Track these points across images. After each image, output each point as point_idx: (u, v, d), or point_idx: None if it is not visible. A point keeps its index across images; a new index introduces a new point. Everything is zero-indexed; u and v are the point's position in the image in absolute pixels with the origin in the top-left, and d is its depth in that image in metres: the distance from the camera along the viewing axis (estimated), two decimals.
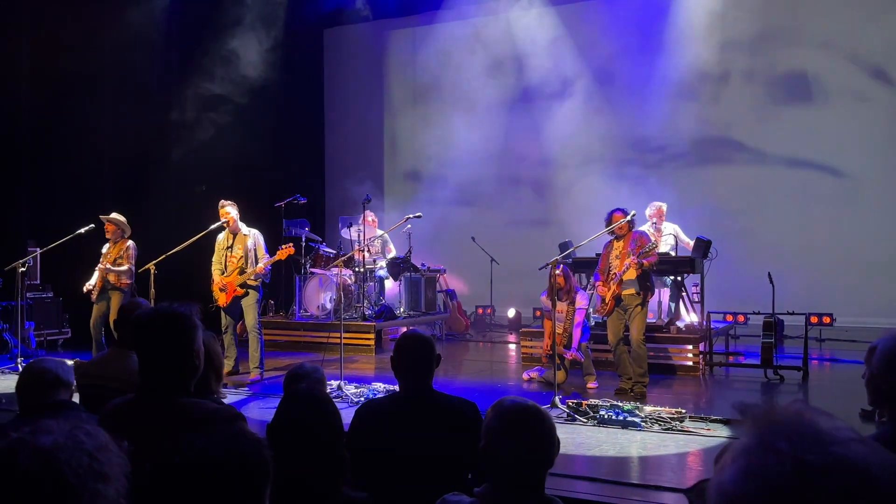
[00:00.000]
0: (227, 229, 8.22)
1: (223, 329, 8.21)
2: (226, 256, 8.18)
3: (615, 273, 7.14)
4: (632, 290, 7.09)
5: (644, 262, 6.97)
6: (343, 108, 15.24)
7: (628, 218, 7.13)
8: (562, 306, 7.61)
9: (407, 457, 2.89)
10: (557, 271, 7.09)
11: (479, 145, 13.66)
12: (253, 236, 8.21)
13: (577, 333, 7.65)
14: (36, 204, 10.81)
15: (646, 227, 9.21)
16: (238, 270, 8.09)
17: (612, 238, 7.31)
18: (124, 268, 8.48)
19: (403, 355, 3.13)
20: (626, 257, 7.08)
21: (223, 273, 8.18)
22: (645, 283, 7.09)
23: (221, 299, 8.16)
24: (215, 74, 11.46)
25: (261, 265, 8.06)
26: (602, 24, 13.00)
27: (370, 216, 10.78)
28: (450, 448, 2.91)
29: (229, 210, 8.16)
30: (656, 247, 7.16)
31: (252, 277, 8.08)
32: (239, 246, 8.15)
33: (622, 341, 7.26)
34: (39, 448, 1.10)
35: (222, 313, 8.21)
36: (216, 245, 8.33)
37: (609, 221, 7.22)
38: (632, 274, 7.02)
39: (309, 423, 2.30)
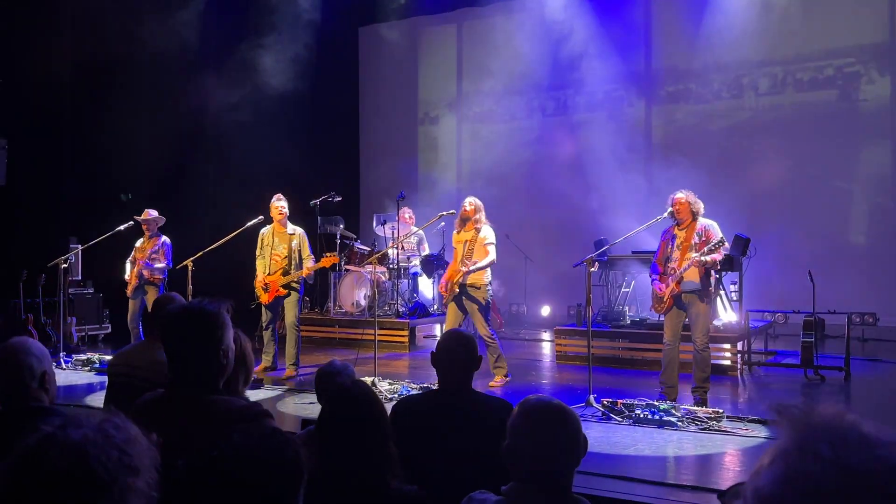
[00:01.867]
0: (271, 225, 8.20)
1: (263, 325, 8.28)
2: (270, 253, 8.15)
3: (674, 268, 6.42)
4: (693, 289, 6.40)
5: (707, 259, 6.27)
6: (378, 105, 15.27)
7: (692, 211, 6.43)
8: (466, 235, 7.47)
9: (442, 453, 2.89)
10: (470, 201, 7.48)
11: (515, 141, 13.59)
12: (299, 236, 8.19)
13: (480, 263, 7.34)
14: (78, 202, 11.02)
15: None
16: (282, 271, 8.08)
17: (673, 224, 6.55)
18: (160, 265, 8.62)
19: (447, 352, 3.16)
20: (687, 251, 6.38)
21: (266, 270, 8.14)
22: (708, 281, 6.41)
23: (264, 297, 8.15)
24: (250, 74, 11.55)
25: (306, 269, 8.07)
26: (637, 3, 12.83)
27: (407, 213, 10.78)
28: (483, 446, 2.92)
29: (286, 206, 8.16)
30: (723, 243, 6.45)
31: (296, 280, 8.13)
32: (284, 245, 8.11)
33: (678, 343, 6.57)
34: (70, 443, 1.11)
35: (263, 309, 8.27)
36: (260, 239, 8.26)
37: (672, 209, 6.50)
38: (694, 274, 6.34)
39: (358, 419, 2.33)
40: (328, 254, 8.28)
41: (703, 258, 6.27)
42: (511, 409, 3.09)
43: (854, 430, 0.85)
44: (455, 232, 7.67)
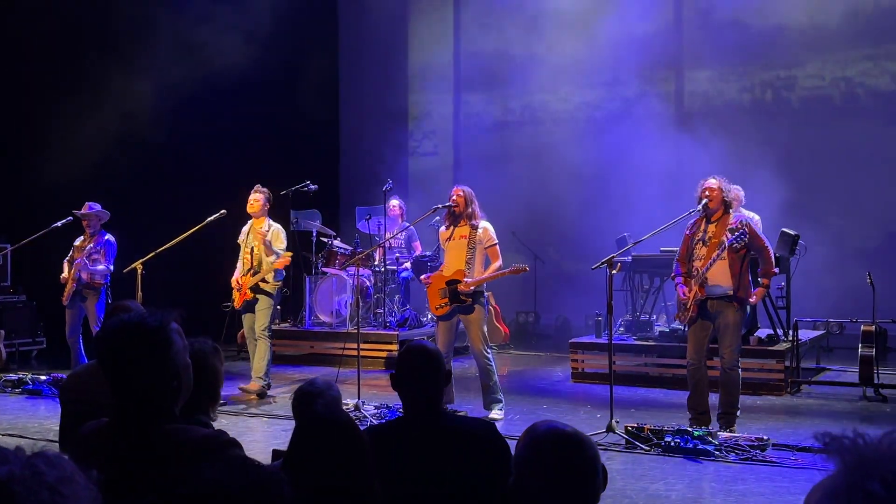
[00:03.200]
0: (251, 221, 8.42)
1: (243, 338, 8.51)
2: (243, 251, 8.45)
3: (697, 268, 6.29)
4: (721, 294, 6.26)
5: (763, 281, 6.32)
6: (362, 76, 15.23)
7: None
8: (462, 230, 7.14)
9: (422, 491, 2.89)
10: (458, 191, 7.13)
11: (522, 116, 13.57)
12: (272, 232, 8.33)
13: (487, 272, 7.08)
14: (6, 194, 10.95)
15: None
16: (251, 271, 8.28)
17: (701, 215, 6.46)
18: (101, 267, 8.59)
19: (407, 371, 3.13)
20: (715, 249, 6.24)
21: (242, 270, 8.41)
22: (744, 286, 6.28)
23: (237, 300, 8.43)
24: (206, 43, 11.47)
25: (265, 268, 8.19)
26: None
27: (395, 201, 10.68)
28: (466, 479, 2.91)
29: (259, 197, 8.33)
30: (746, 237, 6.27)
31: (263, 280, 8.24)
32: (257, 241, 8.31)
33: (704, 361, 6.44)
34: None
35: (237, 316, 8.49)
36: (241, 235, 8.60)
37: (700, 196, 6.39)
38: (722, 276, 6.21)
39: (332, 453, 2.30)
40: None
41: (760, 279, 6.35)
42: (493, 429, 3.10)
43: None
44: (443, 229, 7.39)
